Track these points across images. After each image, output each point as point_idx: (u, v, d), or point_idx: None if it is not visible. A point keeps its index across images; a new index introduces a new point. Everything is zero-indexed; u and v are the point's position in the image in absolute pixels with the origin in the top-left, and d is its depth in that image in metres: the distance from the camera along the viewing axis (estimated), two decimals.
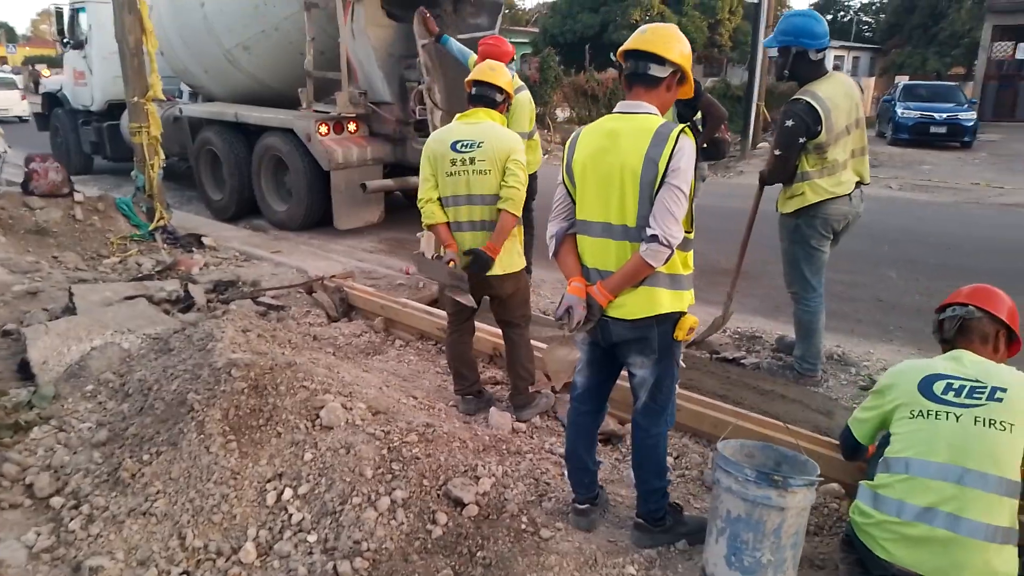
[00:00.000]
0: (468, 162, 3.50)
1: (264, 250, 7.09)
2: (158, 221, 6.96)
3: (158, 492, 2.94)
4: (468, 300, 3.67)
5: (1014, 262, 6.87)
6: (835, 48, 34.51)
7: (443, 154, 3.54)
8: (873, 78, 29.31)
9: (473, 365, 3.89)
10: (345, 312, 5.45)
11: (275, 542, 2.73)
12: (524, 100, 5.42)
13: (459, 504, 2.82)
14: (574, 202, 2.57)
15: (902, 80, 22.81)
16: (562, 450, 3.47)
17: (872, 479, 2.46)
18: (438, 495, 2.86)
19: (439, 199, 3.61)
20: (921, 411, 2.32)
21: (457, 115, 3.70)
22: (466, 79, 3.68)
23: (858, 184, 3.90)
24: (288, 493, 2.89)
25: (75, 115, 12.37)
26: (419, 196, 3.66)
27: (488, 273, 3.62)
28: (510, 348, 3.77)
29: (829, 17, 51.02)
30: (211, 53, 9.23)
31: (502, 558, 2.55)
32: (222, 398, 3.24)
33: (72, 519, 2.88)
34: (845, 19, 51.27)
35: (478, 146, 3.49)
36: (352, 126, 8.09)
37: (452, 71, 7.21)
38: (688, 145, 2.34)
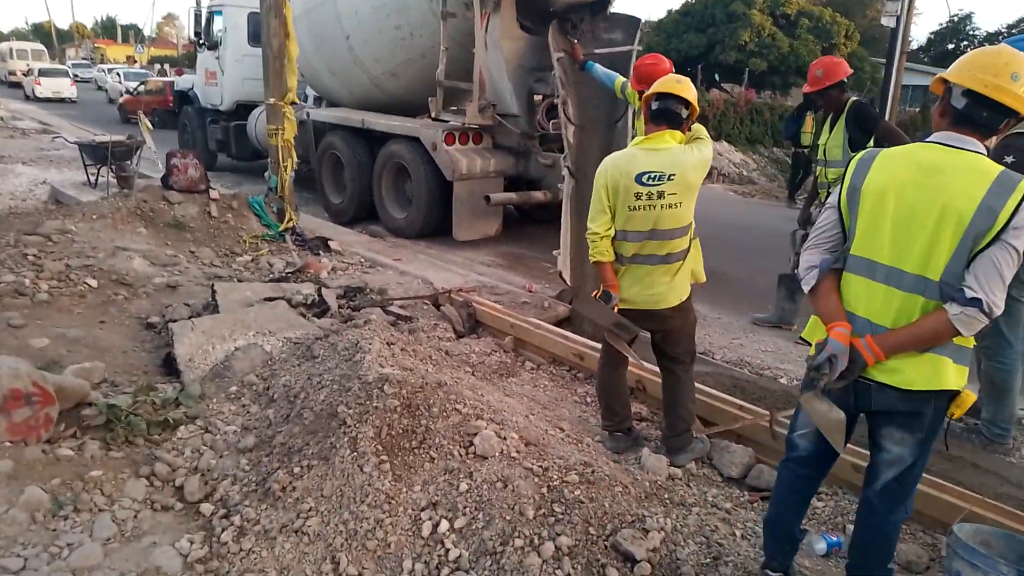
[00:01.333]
0: (656, 196, 3.22)
1: (386, 257, 7.08)
2: (288, 222, 7.06)
3: (310, 510, 2.83)
4: (630, 353, 3.44)
5: None
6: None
7: (627, 187, 3.26)
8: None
9: (626, 401, 3.65)
10: (472, 328, 5.32)
11: None
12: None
13: (629, 559, 2.58)
14: (845, 232, 2.27)
15: None
16: (728, 505, 3.19)
17: None
18: (605, 546, 2.63)
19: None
20: None
21: (637, 138, 3.45)
22: (647, 93, 3.42)
23: None
24: (444, 525, 2.72)
25: (204, 113, 12.90)
26: (592, 229, 3.39)
27: (657, 307, 3.38)
28: (673, 385, 3.50)
29: (950, 46, 48.52)
30: (357, 78, 9.49)
31: None
32: (375, 415, 3.12)
33: (224, 530, 2.80)
34: (966, 47, 48.56)
35: (669, 179, 3.21)
36: (477, 137, 8.03)
37: (586, 85, 7.04)
38: None
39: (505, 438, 3.08)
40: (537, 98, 8.06)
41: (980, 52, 2.12)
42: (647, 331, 3.53)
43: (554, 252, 5.63)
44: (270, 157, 7.32)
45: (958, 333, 2.02)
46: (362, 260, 6.78)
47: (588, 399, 4.21)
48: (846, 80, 4.89)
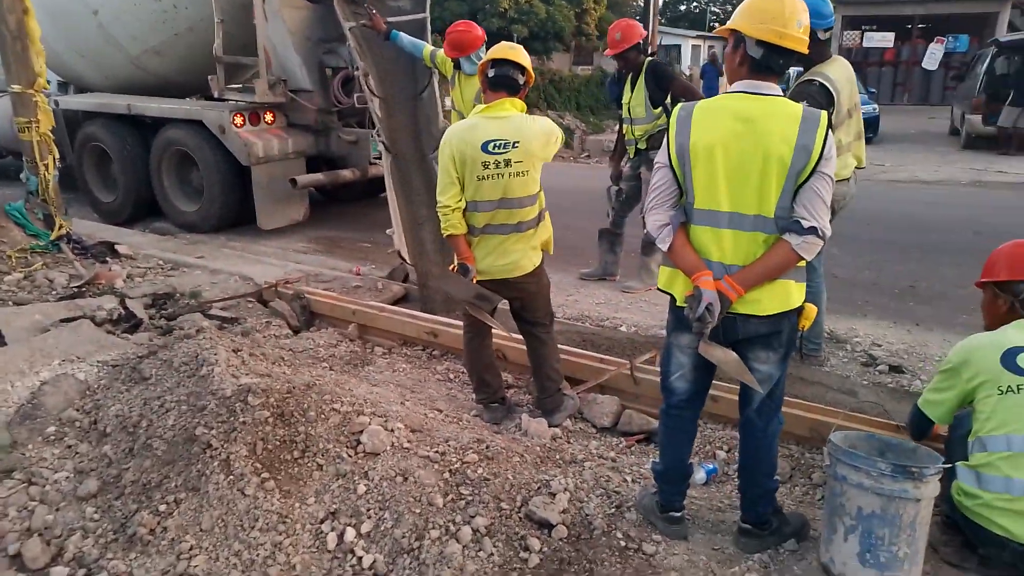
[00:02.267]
0: (504, 164, 3.23)
1: (186, 256, 6.42)
2: (59, 229, 6.10)
3: (192, 548, 2.53)
4: (493, 322, 3.44)
5: (927, 235, 7.44)
6: (691, 38, 36.02)
7: (473, 156, 3.23)
8: None
9: (497, 371, 3.66)
10: (308, 321, 5.01)
11: None
12: None
13: (545, 526, 2.61)
14: (680, 188, 2.40)
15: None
16: (612, 454, 3.34)
17: (959, 459, 2.49)
18: (520, 518, 2.64)
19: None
20: (1011, 386, 2.37)
21: (478, 107, 3.40)
22: (481, 60, 3.38)
23: (856, 167, 3.99)
24: (350, 533, 2.56)
25: None
26: (442, 202, 3.32)
27: (512, 275, 3.41)
28: (537, 348, 3.57)
29: (683, 7, 53.37)
30: (111, 59, 8.32)
31: None
32: (244, 431, 2.84)
33: None
34: (696, 10, 53.74)
35: (514, 146, 3.22)
36: (269, 116, 7.47)
37: (385, 56, 6.81)
38: (831, 132, 2.25)
39: (392, 430, 2.96)
40: (328, 71, 7.66)
41: (763, 1, 2.32)
42: (505, 298, 3.56)
43: (388, 231, 5.45)
44: (24, 155, 6.26)
45: (802, 259, 2.28)
46: (160, 263, 6.08)
47: (450, 375, 4.17)
48: (641, 42, 5.21)
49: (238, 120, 7.15)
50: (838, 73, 3.75)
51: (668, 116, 5.10)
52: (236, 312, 4.96)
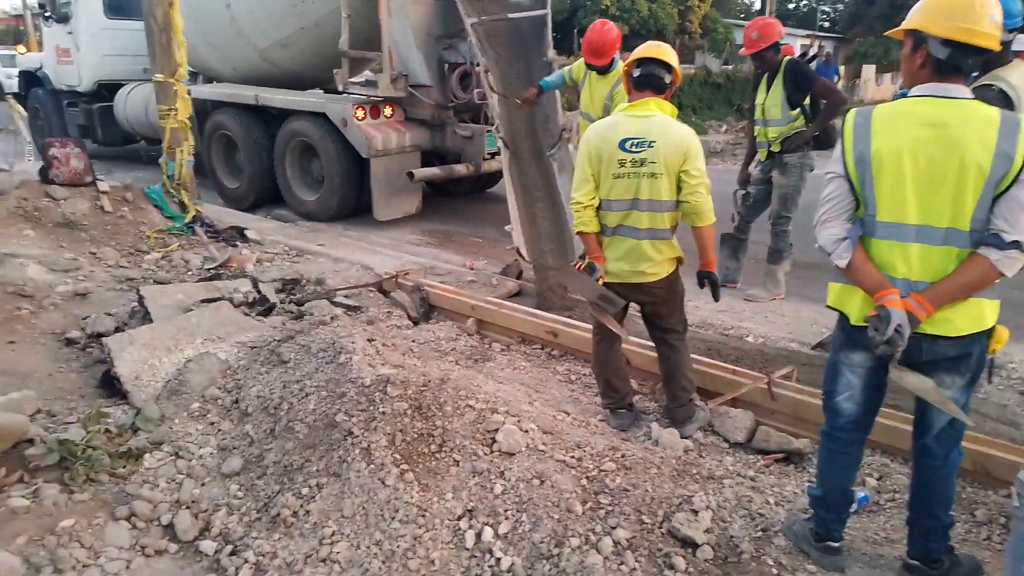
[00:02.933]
0: (639, 163, 3.14)
1: (308, 243, 6.61)
2: (192, 212, 6.41)
3: (334, 534, 2.56)
4: (615, 326, 3.35)
5: None
6: (800, 36, 34.72)
7: (610, 153, 3.18)
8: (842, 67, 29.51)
9: (625, 376, 3.57)
10: (427, 313, 5.06)
11: None
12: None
13: (690, 544, 2.50)
14: (857, 200, 2.24)
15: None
16: (750, 472, 3.18)
17: None
18: (662, 533, 2.53)
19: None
20: None
21: (622, 105, 3.32)
22: (629, 59, 3.30)
23: None
24: (488, 533, 2.52)
25: (58, 96, 11.53)
26: (575, 199, 3.29)
27: (644, 280, 3.30)
28: (670, 356, 3.45)
29: (791, 6, 51.56)
30: (240, 51, 8.73)
31: None
32: (383, 421, 2.85)
33: (238, 569, 2.49)
34: (806, 8, 51.83)
35: (650, 145, 3.12)
36: (388, 110, 7.63)
37: (505, 53, 6.81)
38: None
39: (527, 430, 2.91)
40: (446, 67, 7.73)
41: None
42: (635, 303, 3.45)
43: (506, 228, 5.44)
44: (164, 142, 6.61)
45: (1002, 275, 2.07)
46: (286, 249, 6.30)
47: (572, 376, 4.10)
48: (780, 41, 4.97)
49: (360, 113, 7.32)
50: (1019, 79, 3.44)
51: (806, 118, 4.94)
52: (359, 301, 5.06)
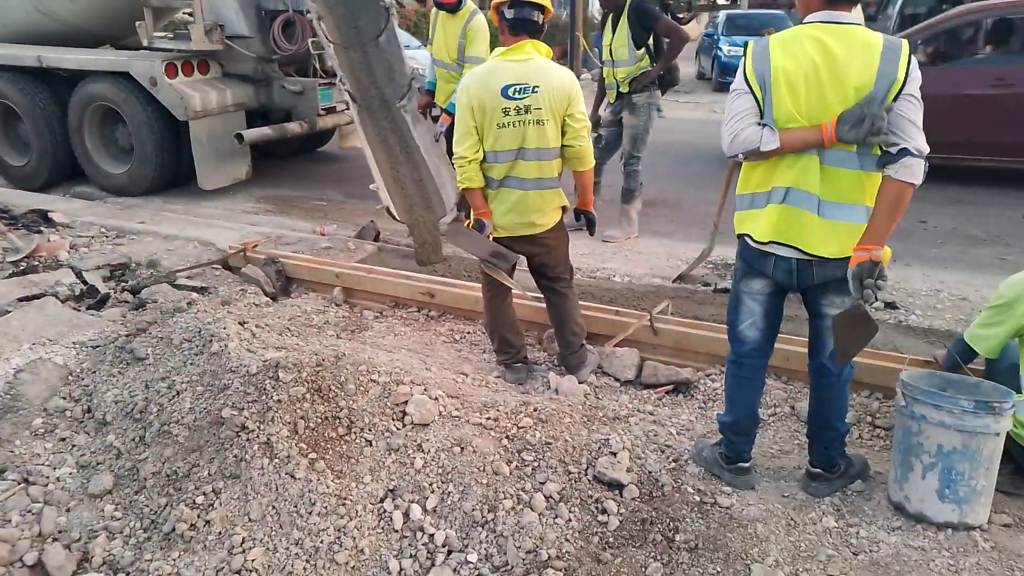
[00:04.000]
0: (524, 111, 3.04)
1: (127, 221, 5.88)
2: None
3: (244, 541, 2.32)
4: (509, 281, 3.30)
5: None
6: None
7: (493, 102, 3.04)
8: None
9: (519, 330, 3.53)
10: (284, 287, 4.70)
11: (427, 571, 2.27)
12: (483, 24, 4.98)
13: (616, 486, 2.53)
14: (760, 112, 2.30)
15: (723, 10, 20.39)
16: (648, 407, 3.29)
17: (1009, 385, 2.55)
18: (589, 480, 2.55)
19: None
20: None
21: (496, 50, 3.18)
22: (493, 1, 3.15)
23: None
24: (416, 510, 2.41)
25: None
26: (459, 153, 3.14)
27: (534, 232, 3.26)
28: (559, 304, 3.45)
29: None
30: (10, 3, 7.39)
31: (706, 538, 2.33)
32: (281, 410, 2.61)
33: None
34: None
35: (533, 91, 3.03)
36: (204, 66, 6.89)
37: None
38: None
39: (436, 398, 2.79)
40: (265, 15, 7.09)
41: None
42: (524, 255, 3.41)
43: (371, 187, 5.12)
44: None
45: (911, 184, 2.17)
46: (102, 231, 5.55)
47: (456, 336, 4.00)
48: None
49: (171, 71, 6.55)
50: None
51: (651, 58, 5.07)
52: (205, 281, 4.59)
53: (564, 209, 3.35)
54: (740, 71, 2.33)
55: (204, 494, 2.46)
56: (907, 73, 2.14)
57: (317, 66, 7.21)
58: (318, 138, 8.64)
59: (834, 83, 2.19)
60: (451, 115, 5.51)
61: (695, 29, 7.33)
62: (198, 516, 2.40)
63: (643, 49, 5.01)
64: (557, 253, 3.41)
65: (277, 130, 6.91)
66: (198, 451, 2.61)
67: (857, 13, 2.26)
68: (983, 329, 2.69)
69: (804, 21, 2.29)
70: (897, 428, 2.49)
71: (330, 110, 7.22)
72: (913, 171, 2.15)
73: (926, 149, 2.16)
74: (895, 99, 2.15)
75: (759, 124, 2.29)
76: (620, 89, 5.20)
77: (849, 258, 2.30)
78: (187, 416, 2.72)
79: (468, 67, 5.29)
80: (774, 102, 2.26)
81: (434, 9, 5.39)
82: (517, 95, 3.03)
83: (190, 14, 6.99)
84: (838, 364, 2.42)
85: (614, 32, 5.07)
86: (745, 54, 2.32)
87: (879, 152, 2.21)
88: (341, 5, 5.96)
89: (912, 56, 2.18)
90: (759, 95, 2.29)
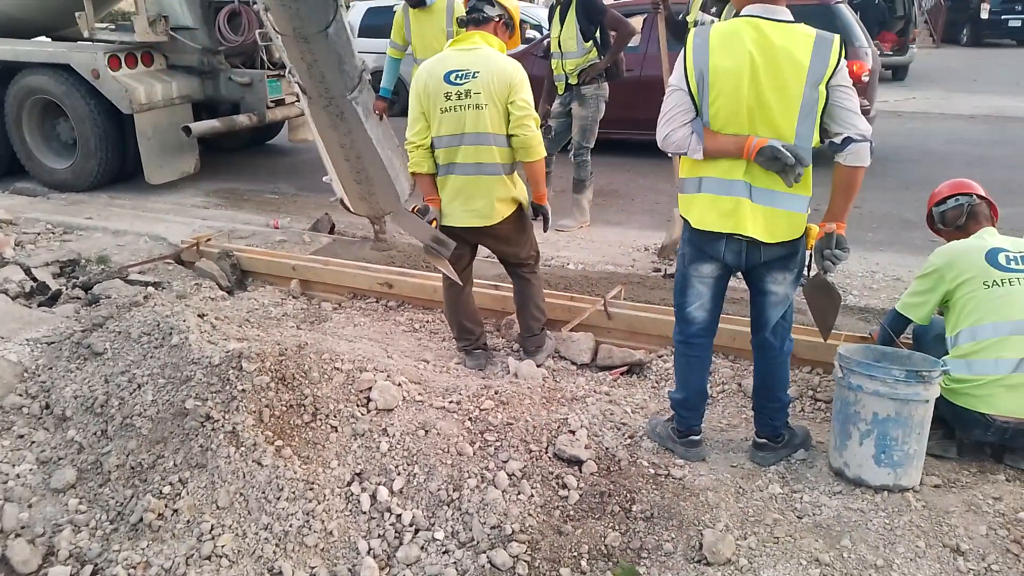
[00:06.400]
0: (464, 95, 3.12)
1: (74, 217, 5.76)
2: None
3: (213, 528, 2.36)
4: (448, 271, 3.33)
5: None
6: None
7: (436, 87, 3.13)
8: None
9: (478, 317, 3.61)
10: (239, 281, 4.68)
11: (395, 550, 2.35)
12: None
13: (575, 462, 2.64)
14: (696, 109, 2.42)
15: None
16: (604, 388, 3.41)
17: (937, 353, 2.75)
18: (550, 457, 2.65)
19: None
20: (996, 280, 2.66)
21: (449, 42, 3.26)
22: None
23: None
24: (383, 492, 2.48)
25: None
26: (408, 139, 3.22)
27: (480, 224, 3.31)
28: (523, 289, 3.53)
29: None
30: None
31: (661, 507, 2.45)
32: (245, 399, 2.65)
33: None
34: None
35: (474, 76, 3.11)
36: (148, 58, 6.75)
37: None
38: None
39: (399, 384, 2.86)
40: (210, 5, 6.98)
41: None
42: (482, 245, 3.49)
43: (324, 179, 5.11)
44: None
45: (861, 167, 2.33)
46: (48, 227, 5.43)
47: (415, 326, 4.06)
48: None
49: (114, 63, 6.40)
50: None
51: (599, 50, 5.18)
52: (158, 276, 4.55)
53: (519, 203, 3.39)
54: (680, 65, 2.43)
55: (171, 484, 2.49)
56: (837, 64, 2.27)
57: (264, 58, 7.12)
58: (267, 131, 8.54)
59: (771, 78, 2.30)
60: None
61: (637, 24, 7.48)
62: (165, 506, 2.43)
63: (591, 42, 5.12)
64: (514, 244, 3.46)
65: (225, 123, 6.82)
66: (163, 442, 2.63)
67: (786, 11, 2.38)
68: (915, 298, 2.88)
69: (740, 13, 2.41)
70: (836, 399, 2.66)
71: (279, 102, 7.16)
72: (859, 155, 2.30)
73: (868, 130, 2.31)
74: (829, 92, 2.28)
75: (690, 125, 2.41)
76: (569, 81, 5.30)
77: (787, 242, 2.45)
78: (150, 408, 2.73)
79: None
80: (711, 101, 2.38)
81: (399, 10, 5.38)
82: (458, 80, 3.11)
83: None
84: (824, 340, 2.61)
85: (562, 25, 5.17)
86: (686, 47, 2.42)
87: (818, 144, 2.36)
88: None
89: (843, 49, 2.31)
90: (696, 93, 2.40)
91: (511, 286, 3.72)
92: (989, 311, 2.63)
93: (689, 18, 4.52)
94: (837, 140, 2.31)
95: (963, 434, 2.72)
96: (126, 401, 2.80)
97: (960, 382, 2.64)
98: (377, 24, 10.69)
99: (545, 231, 3.62)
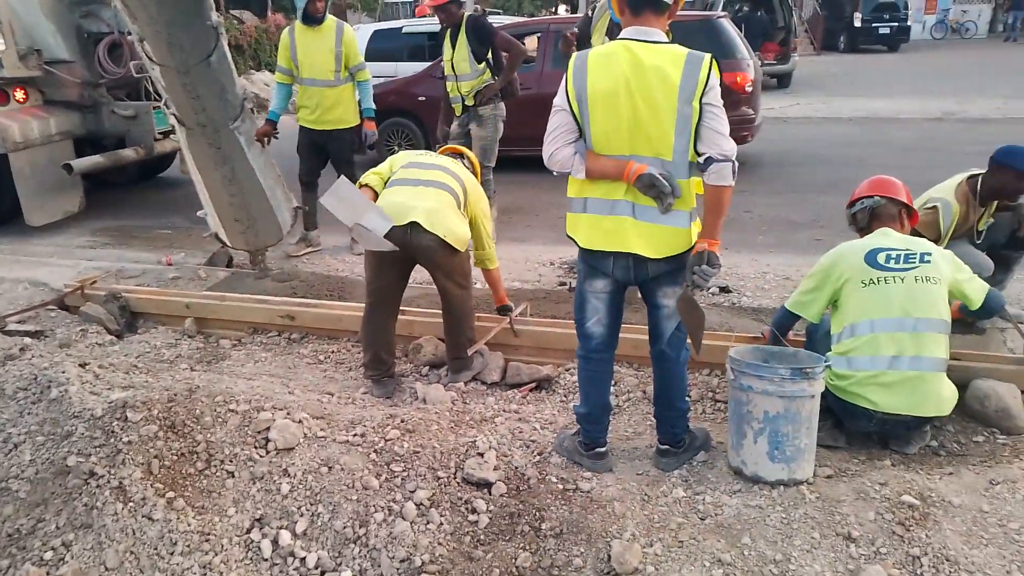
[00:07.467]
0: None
1: None
2: None
3: None
4: (385, 245, 3.24)
5: None
6: None
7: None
8: None
9: (393, 349, 3.57)
10: (129, 323, 4.45)
11: None
12: (352, 31, 5.36)
13: (484, 485, 2.63)
14: (580, 132, 2.47)
15: None
16: (513, 407, 3.41)
17: (825, 349, 2.90)
18: (459, 483, 2.63)
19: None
20: (873, 279, 2.80)
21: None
22: None
23: None
24: (285, 536, 2.39)
25: None
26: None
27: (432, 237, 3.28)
28: (452, 308, 3.49)
29: None
30: None
31: (570, 522, 2.46)
32: (132, 451, 2.51)
33: None
34: None
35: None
36: (21, 94, 6.38)
37: (159, 16, 6.04)
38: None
39: (300, 420, 2.77)
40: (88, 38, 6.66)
41: None
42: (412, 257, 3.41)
43: (199, 213, 4.92)
44: None
45: (725, 186, 2.40)
46: None
47: (320, 357, 3.95)
48: None
49: None
50: None
51: (492, 72, 5.24)
52: (40, 324, 4.28)
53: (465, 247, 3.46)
54: (562, 88, 2.48)
55: (53, 549, 2.32)
56: (707, 83, 2.35)
57: (150, 88, 6.85)
58: (158, 163, 8.20)
59: (644, 96, 2.37)
60: (374, 121, 5.52)
61: (533, 43, 7.64)
62: (47, 573, 2.27)
63: (483, 63, 5.17)
64: (451, 260, 3.43)
65: (110, 157, 6.52)
66: (43, 505, 2.46)
67: (660, 33, 2.46)
68: (804, 296, 3.01)
69: (620, 37, 2.48)
70: (730, 400, 2.75)
71: (167, 133, 6.91)
72: (721, 175, 2.38)
73: (731, 151, 2.39)
74: (700, 112, 2.35)
75: (574, 146, 2.48)
76: (465, 102, 5.34)
77: (675, 256, 2.52)
78: (28, 469, 2.55)
79: (362, 73, 5.30)
80: (591, 121, 2.45)
81: (285, 32, 5.30)
82: None
83: None
84: (696, 355, 2.66)
85: (454, 47, 5.20)
86: (567, 70, 2.48)
87: (695, 160, 2.45)
88: (164, 26, 5.71)
89: (714, 66, 2.40)
90: (578, 114, 2.46)
91: (416, 310, 3.68)
92: (865, 309, 2.78)
93: (594, 41, 4.63)
94: (701, 160, 2.39)
95: (849, 424, 2.87)
96: (1, 463, 2.60)
97: (842, 378, 2.78)
98: (384, 48, 10.80)
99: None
